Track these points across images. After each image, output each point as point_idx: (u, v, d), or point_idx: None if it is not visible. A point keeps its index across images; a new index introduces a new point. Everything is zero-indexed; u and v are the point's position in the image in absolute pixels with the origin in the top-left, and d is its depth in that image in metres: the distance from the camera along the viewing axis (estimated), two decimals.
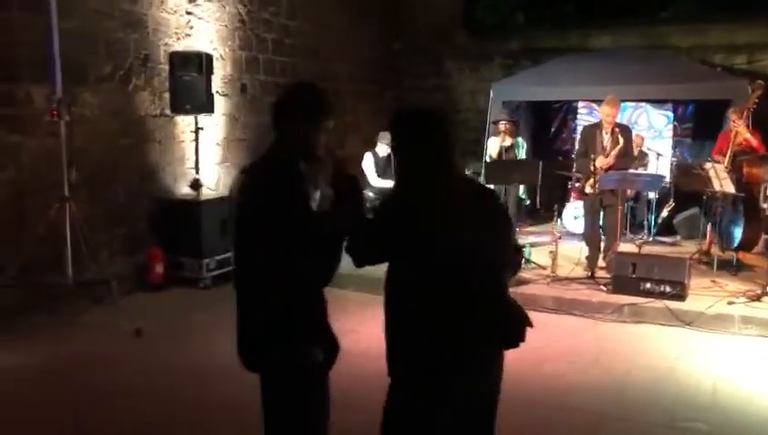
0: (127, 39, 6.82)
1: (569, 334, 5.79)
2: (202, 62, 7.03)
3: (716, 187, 6.85)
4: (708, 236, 7.76)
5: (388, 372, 2.56)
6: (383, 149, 8.63)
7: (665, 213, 8.92)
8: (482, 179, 8.05)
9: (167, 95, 7.20)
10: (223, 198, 7.66)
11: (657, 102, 10.32)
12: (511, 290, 2.68)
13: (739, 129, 7.13)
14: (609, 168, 7.01)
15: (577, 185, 9.05)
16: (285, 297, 2.53)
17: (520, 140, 9.16)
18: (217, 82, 7.76)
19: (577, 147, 7.81)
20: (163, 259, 6.99)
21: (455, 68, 11.82)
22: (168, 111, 7.26)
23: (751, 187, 6.88)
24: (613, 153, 7.03)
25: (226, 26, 8.16)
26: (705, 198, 7.61)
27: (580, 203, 8.64)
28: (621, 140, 7.04)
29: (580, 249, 7.30)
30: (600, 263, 7.17)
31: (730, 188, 6.72)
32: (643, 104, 10.39)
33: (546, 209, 9.73)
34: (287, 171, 2.58)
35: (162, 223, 7.21)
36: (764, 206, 6.83)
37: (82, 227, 5.79)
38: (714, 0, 10.73)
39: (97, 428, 4.13)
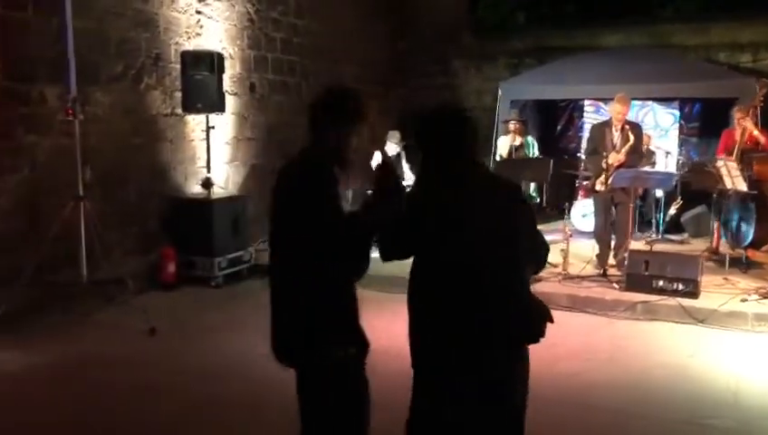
0: (138, 38, 6.83)
1: (583, 332, 5.80)
2: (214, 62, 7.04)
3: (728, 185, 6.86)
4: (715, 234, 7.78)
5: None
6: (392, 148, 8.64)
7: (672, 211, 8.94)
8: None
9: (177, 94, 7.21)
10: (233, 196, 7.70)
11: (664, 101, 10.34)
12: None
13: (747, 124, 7.16)
14: (620, 165, 7.03)
15: (584, 183, 9.09)
16: (318, 295, 2.59)
17: (529, 138, 9.19)
18: (226, 82, 7.76)
19: (586, 145, 7.81)
20: (175, 258, 7.00)
21: (460, 67, 11.83)
22: (178, 110, 7.28)
23: (761, 184, 6.90)
24: (624, 150, 7.04)
25: (235, 25, 8.16)
26: (714, 196, 7.62)
27: (588, 201, 8.68)
28: (632, 137, 7.05)
29: (593, 247, 7.31)
30: (611, 261, 7.18)
31: (742, 186, 6.73)
32: (650, 103, 10.41)
33: (552, 208, 9.76)
34: (320, 174, 2.63)
35: (173, 222, 7.23)
36: None
37: (96, 226, 5.81)
38: None
39: (111, 426, 4.14)
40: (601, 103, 10.63)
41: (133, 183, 6.90)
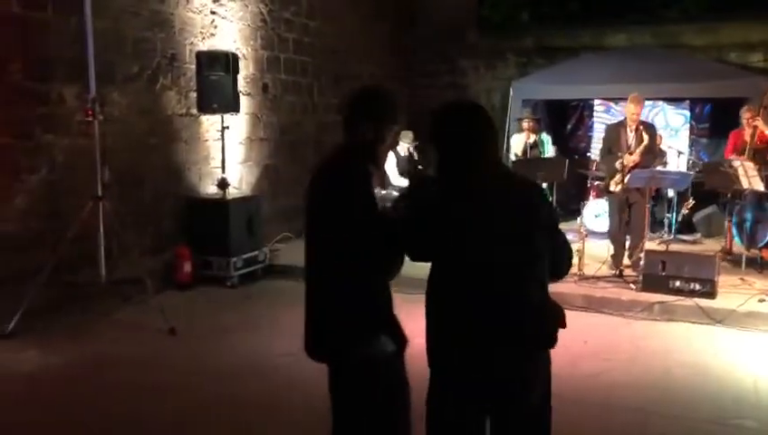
0: (154, 38, 6.84)
1: (600, 332, 5.80)
2: (229, 62, 7.05)
3: (745, 185, 6.85)
4: (728, 234, 7.78)
5: None
6: (403, 147, 8.65)
7: (684, 211, 8.93)
8: None
9: (192, 94, 7.22)
10: (248, 197, 7.71)
11: (675, 101, 10.33)
12: None
13: (759, 123, 7.15)
14: (635, 165, 7.03)
15: (596, 183, 9.08)
16: (352, 293, 2.60)
17: (543, 135, 9.22)
18: (240, 82, 7.77)
19: (600, 145, 7.82)
20: (190, 258, 7.01)
21: (469, 66, 11.84)
22: (193, 111, 7.28)
23: None
24: (638, 150, 7.04)
25: (249, 26, 8.17)
26: (729, 195, 7.61)
27: (600, 201, 8.68)
28: (646, 138, 7.05)
29: (607, 248, 7.31)
30: (626, 261, 7.19)
31: (759, 186, 6.73)
32: (660, 103, 10.40)
33: (562, 208, 9.75)
34: (354, 172, 2.65)
35: (189, 222, 7.24)
36: None
37: (114, 227, 5.82)
38: None
39: (130, 426, 4.14)
40: (612, 103, 10.63)
41: (148, 183, 6.90)
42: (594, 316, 6.17)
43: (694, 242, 8.70)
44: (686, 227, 9.05)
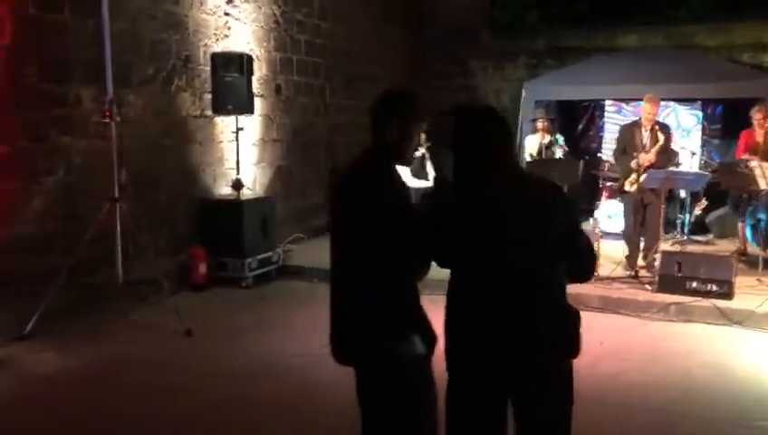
0: (169, 40, 6.85)
1: (618, 333, 5.78)
2: (243, 63, 7.06)
3: (762, 186, 6.83)
4: (740, 235, 7.74)
5: None
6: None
7: (697, 212, 8.91)
8: None
9: (207, 96, 7.22)
10: (261, 198, 7.72)
11: (686, 102, 10.30)
12: None
13: None
14: (650, 166, 7.02)
15: (608, 184, 9.06)
16: (377, 293, 2.60)
17: (558, 136, 9.18)
18: (254, 83, 7.78)
19: (615, 145, 7.79)
20: (205, 259, 7.02)
21: (479, 67, 11.82)
22: (208, 112, 7.29)
23: None
24: (654, 150, 7.03)
25: (262, 27, 8.18)
26: (744, 196, 7.58)
27: (613, 202, 8.66)
28: (661, 138, 7.04)
29: (621, 248, 7.29)
30: (640, 262, 7.17)
31: None
32: (671, 104, 10.36)
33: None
34: (381, 173, 2.67)
35: (204, 223, 7.25)
36: None
37: (130, 228, 5.83)
38: None
39: (146, 426, 4.15)
40: (623, 104, 10.60)
41: (163, 184, 6.91)
42: (611, 317, 6.16)
43: (707, 243, 8.67)
44: (699, 227, 9.01)
